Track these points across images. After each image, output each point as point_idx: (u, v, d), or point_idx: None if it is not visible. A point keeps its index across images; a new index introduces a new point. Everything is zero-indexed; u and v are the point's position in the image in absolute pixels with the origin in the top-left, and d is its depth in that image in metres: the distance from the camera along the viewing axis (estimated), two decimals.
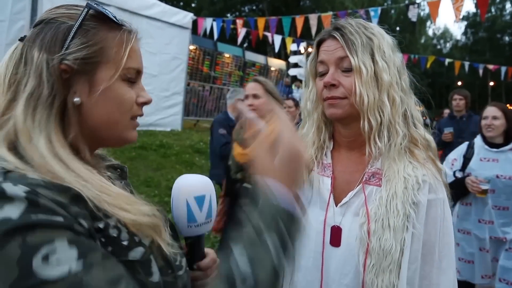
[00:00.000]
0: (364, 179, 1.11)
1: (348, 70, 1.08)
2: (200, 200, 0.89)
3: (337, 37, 1.10)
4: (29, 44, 0.72)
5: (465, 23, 45.33)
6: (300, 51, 12.88)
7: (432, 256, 1.07)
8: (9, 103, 0.70)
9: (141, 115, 0.82)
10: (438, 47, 52.81)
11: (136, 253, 0.68)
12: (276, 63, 16.80)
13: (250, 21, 10.06)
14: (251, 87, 2.78)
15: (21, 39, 0.75)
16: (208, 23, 9.79)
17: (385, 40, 1.11)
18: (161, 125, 9.09)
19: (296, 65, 13.74)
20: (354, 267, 1.06)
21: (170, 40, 9.06)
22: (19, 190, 0.59)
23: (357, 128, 1.10)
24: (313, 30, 8.86)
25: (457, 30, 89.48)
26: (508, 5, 41.12)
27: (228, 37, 12.12)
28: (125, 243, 0.67)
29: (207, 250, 0.97)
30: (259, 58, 15.74)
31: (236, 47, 14.27)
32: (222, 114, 4.73)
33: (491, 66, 14.27)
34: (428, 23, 42.32)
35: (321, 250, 1.11)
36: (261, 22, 9.57)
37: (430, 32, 50.55)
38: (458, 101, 5.02)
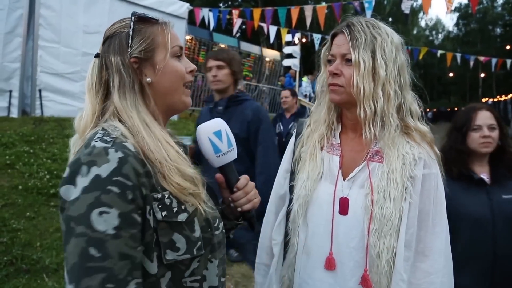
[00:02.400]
0: (368, 156, 1.28)
1: (350, 62, 1.24)
2: (218, 134, 1.10)
3: (346, 34, 1.26)
4: (105, 54, 1.01)
5: (457, 14, 45.50)
6: (294, 41, 12.91)
7: (426, 222, 1.23)
8: (104, 97, 1.01)
9: (192, 81, 1.09)
10: (430, 38, 52.97)
11: (183, 217, 0.93)
12: (270, 54, 16.82)
13: (246, 11, 10.11)
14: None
15: (96, 56, 1.04)
16: (204, 13, 9.82)
17: (389, 41, 1.25)
18: None
19: (290, 56, 13.79)
20: (359, 232, 1.23)
21: None
22: (117, 155, 0.86)
23: (357, 113, 1.26)
24: (308, 21, 8.95)
25: (449, 21, 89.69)
26: None
27: (224, 27, 12.13)
28: (175, 209, 0.92)
29: (242, 177, 1.17)
30: (254, 49, 15.76)
31: (231, 37, 14.31)
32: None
33: (482, 58, 14.44)
34: (421, 14, 42.38)
35: (331, 218, 1.27)
36: (256, 12, 9.63)
37: (422, 23, 50.67)
38: None
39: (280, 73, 17.06)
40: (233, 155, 1.14)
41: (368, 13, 7.77)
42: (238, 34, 15.70)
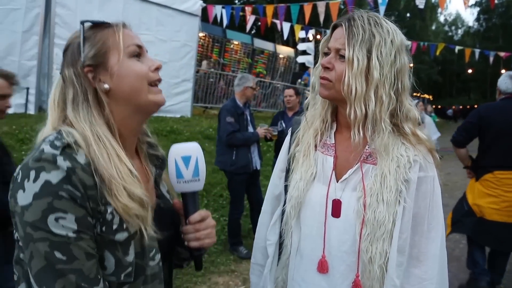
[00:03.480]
0: (362, 158, 1.23)
1: (344, 58, 1.18)
2: (186, 159, 1.03)
3: (344, 28, 1.19)
4: (62, 69, 0.98)
5: (477, 9, 44.41)
6: (308, 38, 12.82)
7: (421, 227, 1.19)
8: (62, 112, 0.97)
9: (159, 79, 1.02)
10: (450, 33, 51.87)
11: (121, 236, 0.89)
12: (284, 50, 16.76)
13: (259, 8, 10.09)
14: None
15: (60, 72, 1.01)
16: (217, 10, 9.84)
17: (389, 40, 1.16)
18: (171, 111, 9.20)
19: (304, 52, 13.70)
20: (351, 236, 1.19)
21: (180, 27, 9.16)
22: (65, 164, 0.83)
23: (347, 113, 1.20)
24: (321, 17, 8.86)
25: (470, 17, 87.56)
26: None
27: (237, 24, 12.14)
28: (115, 226, 0.89)
29: (202, 211, 1.08)
30: (267, 45, 15.72)
31: (245, 34, 14.30)
32: (230, 101, 4.57)
33: (502, 54, 14.05)
34: (440, 9, 41.54)
35: (324, 220, 1.23)
36: (269, 9, 9.61)
37: (441, 19, 49.64)
38: None
39: (294, 70, 16.99)
40: (197, 186, 1.06)
41: (382, 8, 7.61)
42: (253, 31, 15.67)
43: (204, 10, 9.89)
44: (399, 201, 1.16)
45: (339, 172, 1.26)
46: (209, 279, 3.80)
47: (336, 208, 1.22)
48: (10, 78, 2.36)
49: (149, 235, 0.93)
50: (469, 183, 3.70)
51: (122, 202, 0.88)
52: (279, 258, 1.40)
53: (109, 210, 0.88)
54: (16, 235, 0.88)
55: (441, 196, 1.24)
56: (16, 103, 6.69)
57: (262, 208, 1.50)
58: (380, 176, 1.17)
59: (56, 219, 0.80)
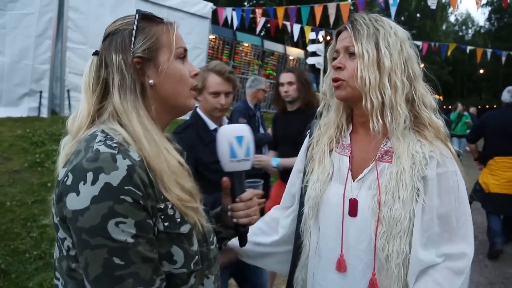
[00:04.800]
0: (377, 157, 1.24)
1: (354, 55, 1.22)
2: (239, 139, 1.09)
3: (349, 29, 1.25)
4: (105, 52, 0.95)
5: (489, 8, 43.92)
6: (318, 39, 12.78)
7: (450, 224, 1.18)
8: (101, 97, 0.94)
9: (197, 85, 1.03)
10: (460, 33, 51.39)
11: (185, 228, 0.90)
12: (294, 52, 16.74)
13: (270, 10, 10.09)
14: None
15: (95, 53, 0.98)
16: (228, 12, 9.86)
17: (393, 33, 1.22)
18: None
19: (314, 54, 13.66)
20: (368, 234, 1.19)
21: (191, 30, 9.19)
22: (125, 163, 0.81)
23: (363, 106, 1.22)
24: (331, 18, 8.83)
25: (481, 16, 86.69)
26: None
27: (247, 26, 12.15)
28: (178, 220, 0.89)
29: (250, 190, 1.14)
30: (277, 47, 15.70)
31: (255, 36, 14.29)
32: (242, 103, 4.65)
33: None
34: (450, 9, 41.17)
35: (341, 219, 1.25)
36: (280, 11, 9.60)
37: (452, 19, 49.21)
38: None
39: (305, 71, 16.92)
40: (247, 165, 1.11)
41: (393, 9, 7.59)
42: (263, 33, 15.64)
43: (214, 13, 9.91)
44: (416, 199, 1.15)
45: (355, 171, 1.28)
46: None
47: (353, 207, 1.24)
48: (222, 74, 2.16)
49: (203, 224, 0.94)
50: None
51: (177, 195, 0.88)
52: (298, 259, 1.42)
53: (169, 206, 0.88)
54: (60, 243, 0.85)
55: (465, 190, 1.22)
56: (29, 107, 6.78)
57: (280, 203, 1.56)
58: (396, 173, 1.18)
59: (117, 224, 0.78)
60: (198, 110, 2.27)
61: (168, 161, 0.90)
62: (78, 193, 0.78)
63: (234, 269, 2.22)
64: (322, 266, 1.30)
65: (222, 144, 1.09)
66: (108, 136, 0.86)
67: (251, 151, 1.10)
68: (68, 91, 7.08)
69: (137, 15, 0.95)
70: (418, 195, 1.16)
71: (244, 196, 1.10)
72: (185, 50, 1.01)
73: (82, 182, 0.78)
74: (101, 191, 0.77)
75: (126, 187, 0.78)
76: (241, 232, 1.14)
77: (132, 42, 0.93)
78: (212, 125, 2.22)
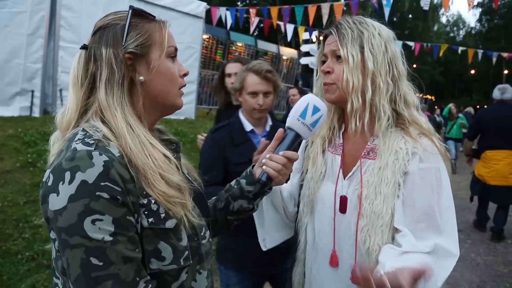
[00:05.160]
0: (363, 154, 1.29)
1: (341, 58, 1.26)
2: (315, 109, 1.17)
3: (333, 33, 1.29)
4: (95, 45, 0.93)
5: (479, 10, 44.37)
6: (312, 39, 12.82)
7: (434, 221, 1.16)
8: (89, 92, 0.93)
9: (185, 85, 1.04)
10: (452, 34, 51.86)
11: (171, 223, 0.88)
12: (287, 52, 16.78)
13: (264, 10, 10.10)
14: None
15: (83, 47, 0.96)
16: (221, 12, 9.85)
17: (377, 34, 1.25)
18: (176, 113, 9.12)
19: (307, 54, 13.69)
20: (354, 230, 1.23)
21: (184, 29, 9.17)
22: (101, 159, 0.80)
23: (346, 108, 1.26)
24: (325, 19, 8.86)
25: (471, 17, 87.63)
26: None
27: (241, 26, 12.15)
28: (162, 215, 0.87)
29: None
30: (271, 47, 15.74)
31: (249, 36, 14.31)
32: None
33: (505, 54, 14.02)
34: (442, 10, 41.53)
35: (333, 216, 1.30)
36: (274, 11, 9.61)
37: (443, 19, 49.63)
38: None
39: (297, 71, 16.98)
40: (307, 134, 1.18)
41: (386, 10, 7.63)
42: (256, 33, 15.65)
43: (208, 12, 9.89)
44: (397, 194, 1.18)
45: (346, 169, 1.32)
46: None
47: (343, 204, 1.28)
48: (259, 73, 2.06)
49: (191, 220, 0.92)
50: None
51: (161, 190, 0.86)
52: (295, 254, 1.46)
53: (152, 201, 0.86)
54: (53, 243, 0.85)
55: (449, 187, 1.22)
56: (21, 106, 6.71)
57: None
58: (378, 169, 1.22)
59: (93, 222, 0.76)
60: (240, 111, 2.24)
61: (153, 155, 0.88)
62: (58, 193, 0.78)
63: (270, 273, 2.22)
64: (318, 261, 1.35)
65: (302, 101, 1.17)
66: (87, 134, 0.86)
67: (316, 126, 1.17)
68: (60, 90, 7.03)
69: (130, 11, 0.94)
70: (399, 190, 1.18)
71: (287, 153, 1.13)
72: (176, 49, 1.01)
73: (61, 182, 0.78)
74: (77, 189, 0.77)
75: (102, 183, 0.77)
76: (262, 183, 1.14)
77: (125, 37, 0.92)
78: (248, 127, 2.16)
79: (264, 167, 1.13)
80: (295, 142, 1.18)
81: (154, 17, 0.99)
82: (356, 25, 1.27)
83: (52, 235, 0.84)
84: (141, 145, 0.87)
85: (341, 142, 1.37)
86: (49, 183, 0.80)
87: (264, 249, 1.54)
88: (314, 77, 12.50)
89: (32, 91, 6.82)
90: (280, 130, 1.18)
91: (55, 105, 7.02)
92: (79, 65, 0.94)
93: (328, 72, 1.29)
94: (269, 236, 1.52)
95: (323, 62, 1.33)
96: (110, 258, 0.77)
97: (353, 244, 1.23)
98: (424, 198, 1.18)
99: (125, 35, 0.92)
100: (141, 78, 0.93)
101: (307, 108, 1.15)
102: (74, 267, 0.77)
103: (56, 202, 0.78)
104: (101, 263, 0.77)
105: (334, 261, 1.29)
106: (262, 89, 2.07)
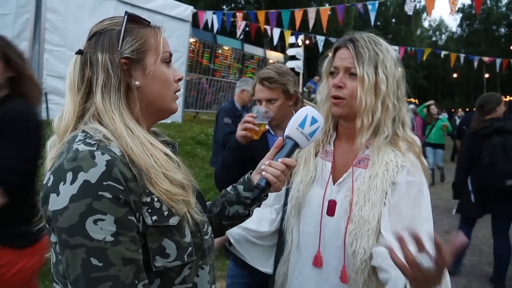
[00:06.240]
0: (354, 162, 1.35)
1: (354, 76, 1.31)
2: (313, 120, 1.20)
3: (350, 48, 1.32)
4: (91, 51, 0.94)
5: (460, 15, 45.33)
6: (298, 43, 12.94)
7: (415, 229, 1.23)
8: (86, 96, 0.94)
9: (180, 89, 1.05)
10: (434, 39, 52.84)
11: (174, 220, 0.90)
12: (274, 56, 16.86)
13: (251, 14, 10.16)
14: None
15: (78, 52, 0.97)
16: (208, 16, 9.86)
17: (389, 56, 1.32)
18: None
19: (293, 58, 13.81)
20: (343, 232, 1.30)
21: (171, 33, 9.13)
22: (104, 158, 0.81)
23: (355, 124, 1.34)
24: (311, 23, 8.98)
25: (453, 22, 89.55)
26: None
27: (229, 30, 12.18)
28: (166, 212, 0.89)
29: None
30: (257, 51, 15.78)
31: (235, 39, 14.34)
32: (229, 103, 4.78)
33: (486, 58, 14.37)
34: (424, 15, 42.31)
35: (320, 219, 1.36)
36: (261, 15, 9.68)
37: (426, 24, 50.55)
38: None
39: None
40: (305, 143, 1.20)
41: (372, 14, 7.78)
42: (242, 37, 15.72)
43: (195, 16, 9.90)
44: (384, 202, 1.25)
45: (336, 176, 1.39)
46: None
47: (331, 208, 1.35)
48: (260, 81, 2.06)
49: (194, 216, 0.94)
50: None
51: (164, 189, 0.87)
52: (281, 254, 1.51)
53: (155, 199, 0.87)
54: (53, 247, 0.85)
55: (429, 200, 1.31)
56: None
57: (264, 201, 1.57)
58: (369, 178, 1.29)
59: (95, 222, 0.77)
60: None
61: (155, 155, 0.90)
62: (58, 194, 0.78)
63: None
64: (300, 262, 1.39)
65: (301, 112, 1.21)
66: (88, 135, 0.87)
67: (314, 137, 1.20)
68: (45, 94, 6.92)
69: (125, 16, 0.95)
70: (386, 199, 1.25)
71: (286, 160, 1.15)
72: (171, 54, 1.02)
73: (62, 183, 0.79)
74: (80, 189, 0.77)
75: (104, 183, 0.78)
76: (261, 188, 1.15)
77: (120, 42, 0.93)
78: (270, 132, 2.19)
79: (263, 172, 1.15)
80: (293, 151, 1.21)
81: (149, 22, 1.00)
82: (372, 45, 1.31)
83: (53, 238, 0.84)
84: (142, 146, 0.88)
85: (332, 149, 1.42)
86: (49, 184, 0.81)
87: (270, 273, 1.59)
88: (300, 80, 12.53)
89: None
90: (280, 138, 1.21)
91: (40, 108, 6.91)
92: (75, 70, 0.95)
93: (340, 87, 1.32)
94: (264, 265, 1.60)
95: (331, 73, 1.37)
96: (111, 259, 0.78)
97: (340, 246, 1.29)
98: (409, 208, 1.26)
99: (121, 40, 0.93)
100: (137, 83, 0.94)
101: (306, 118, 1.19)
102: (74, 267, 0.78)
103: (56, 202, 0.79)
104: (101, 264, 0.77)
105: (318, 262, 1.34)
106: (263, 96, 2.08)
